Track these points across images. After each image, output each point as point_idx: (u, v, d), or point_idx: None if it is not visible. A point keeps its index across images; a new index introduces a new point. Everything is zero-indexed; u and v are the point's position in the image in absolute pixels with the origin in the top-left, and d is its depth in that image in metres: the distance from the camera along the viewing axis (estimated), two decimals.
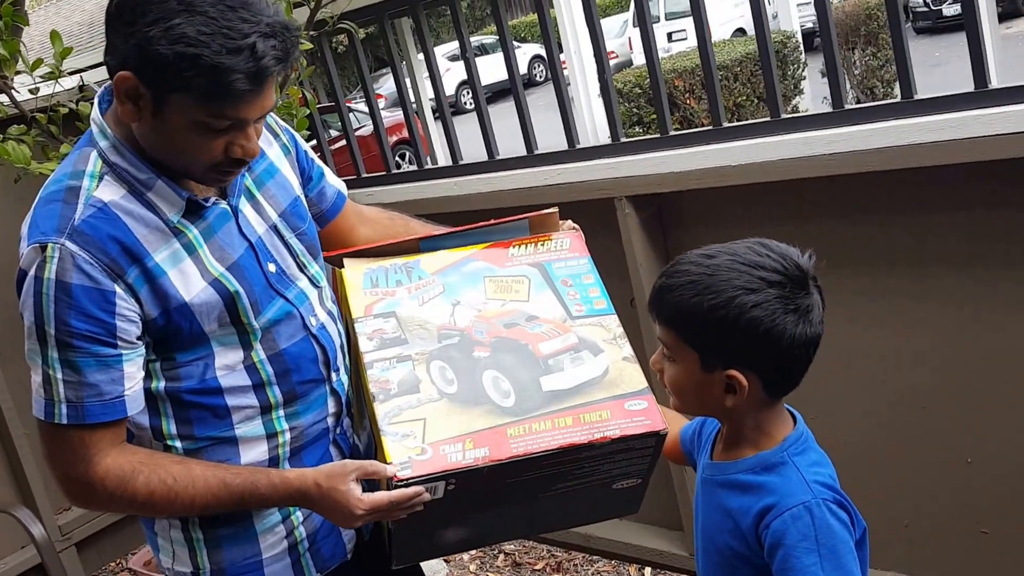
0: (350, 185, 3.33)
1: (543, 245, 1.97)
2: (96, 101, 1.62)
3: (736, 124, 2.53)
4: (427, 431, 1.65)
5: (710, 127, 2.57)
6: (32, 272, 1.51)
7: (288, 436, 1.73)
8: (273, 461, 1.73)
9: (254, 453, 1.71)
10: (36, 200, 1.59)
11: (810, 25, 12.29)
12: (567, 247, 1.98)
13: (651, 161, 2.60)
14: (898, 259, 2.39)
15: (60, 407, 1.53)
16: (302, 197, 1.82)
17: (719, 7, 15.47)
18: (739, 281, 1.42)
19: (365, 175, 3.38)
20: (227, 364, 1.66)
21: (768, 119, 2.46)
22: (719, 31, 15.11)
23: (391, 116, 11.75)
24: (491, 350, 1.77)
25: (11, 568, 3.63)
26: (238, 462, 1.69)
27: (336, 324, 1.81)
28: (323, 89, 11.76)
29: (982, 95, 2.13)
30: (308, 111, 3.11)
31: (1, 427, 3.66)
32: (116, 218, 1.54)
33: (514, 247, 1.97)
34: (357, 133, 3.52)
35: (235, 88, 1.45)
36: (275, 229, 1.73)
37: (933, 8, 15.11)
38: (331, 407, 1.79)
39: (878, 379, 2.50)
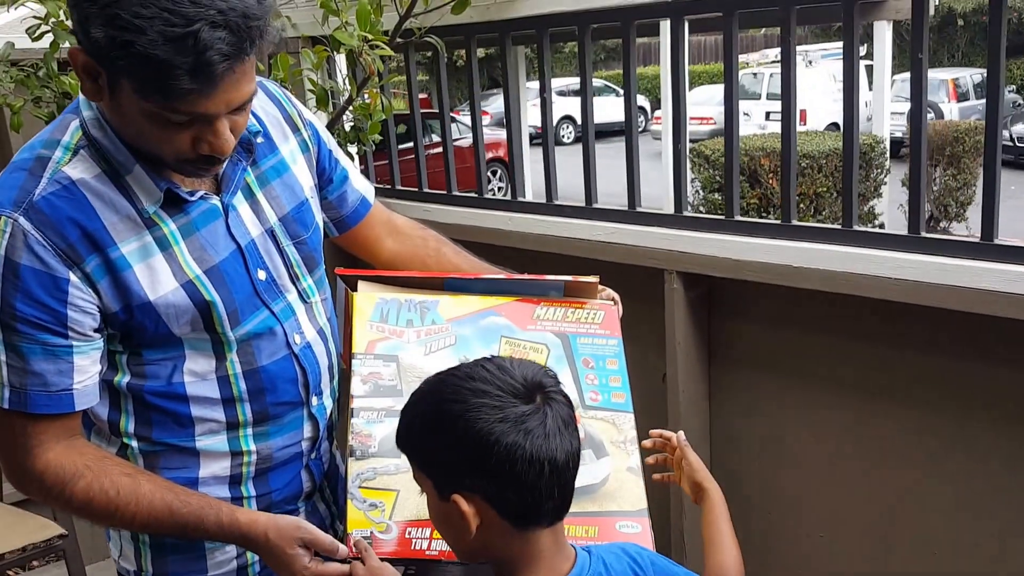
0: (415, 197, 3.15)
1: (574, 313, 1.70)
2: None
3: (806, 224, 2.27)
4: (397, 506, 1.44)
5: (778, 221, 2.30)
6: None
7: (255, 457, 1.48)
8: (235, 479, 1.48)
9: (215, 468, 1.47)
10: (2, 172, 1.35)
11: (899, 134, 11.90)
12: (598, 321, 1.72)
13: (710, 242, 2.34)
14: (943, 402, 2.10)
15: (3, 391, 1.31)
16: (312, 201, 1.55)
17: (820, 99, 15.12)
18: (447, 392, 1.22)
19: (427, 190, 3.16)
20: (197, 371, 1.41)
21: (840, 227, 2.19)
22: (815, 121, 14.71)
23: (491, 134, 11.64)
24: None
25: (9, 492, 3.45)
26: (196, 475, 1.45)
27: (326, 344, 1.55)
28: (436, 95, 11.68)
29: None
30: (384, 116, 2.90)
31: None
32: (83, 198, 1.30)
33: (542, 307, 1.71)
34: (456, 143, 3.29)
35: (176, 85, 1.17)
36: (271, 234, 1.46)
37: (1018, 144, 14.61)
38: (307, 431, 1.53)
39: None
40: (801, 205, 8.94)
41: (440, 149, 3.20)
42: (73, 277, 1.29)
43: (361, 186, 1.71)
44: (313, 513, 1.60)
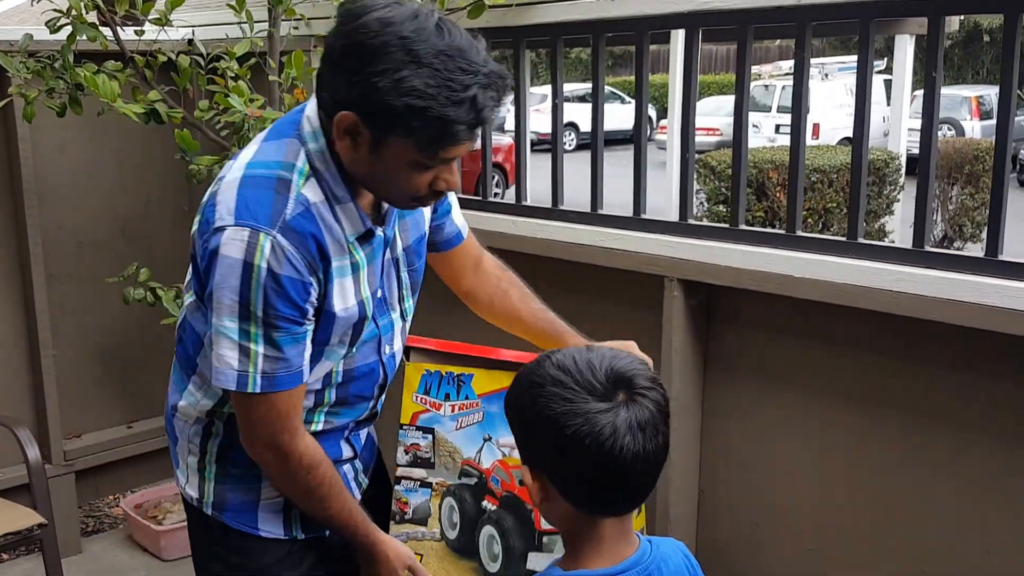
0: None
1: None
2: (313, 101, 1.57)
3: (810, 235, 2.31)
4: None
5: (782, 231, 2.34)
6: (242, 257, 1.50)
7: (319, 427, 1.73)
8: None
9: None
10: (236, 177, 1.55)
11: (916, 151, 11.91)
12: None
13: (712, 250, 2.38)
14: (941, 416, 2.14)
15: (255, 378, 1.55)
16: (427, 233, 1.81)
17: (835, 112, 15.16)
18: (536, 375, 1.31)
19: None
20: (322, 368, 1.67)
21: (844, 239, 2.23)
22: (829, 135, 14.76)
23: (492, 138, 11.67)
24: (500, 504, 1.75)
25: (6, 480, 3.49)
26: None
27: (401, 352, 1.82)
28: None
29: None
30: None
31: (32, 346, 3.54)
32: (316, 219, 1.55)
33: None
34: None
35: (457, 136, 1.46)
36: (396, 260, 1.72)
37: None
38: (363, 416, 1.80)
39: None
40: (809, 220, 8.96)
41: None
42: (312, 280, 1.55)
43: (459, 221, 1.93)
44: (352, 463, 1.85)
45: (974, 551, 2.12)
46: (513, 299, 1.97)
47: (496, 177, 13.22)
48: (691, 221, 2.52)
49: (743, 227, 2.41)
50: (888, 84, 13.37)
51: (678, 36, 2.54)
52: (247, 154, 1.60)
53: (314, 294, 1.56)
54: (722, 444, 2.54)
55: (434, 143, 1.46)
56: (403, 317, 1.76)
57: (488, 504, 1.75)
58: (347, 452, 1.80)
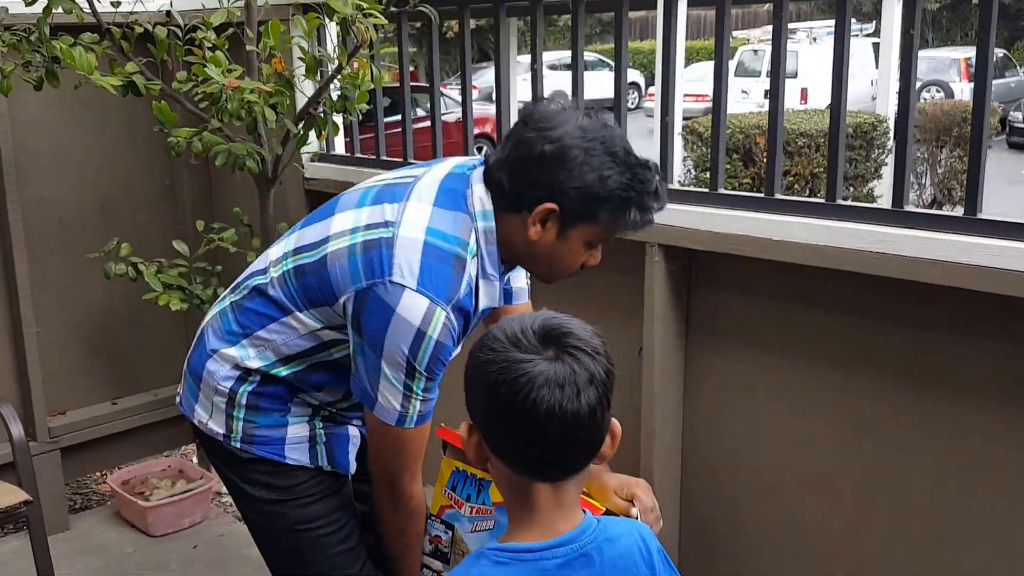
0: (397, 167, 3.18)
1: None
2: (479, 178, 1.79)
3: (789, 198, 2.31)
4: None
5: (762, 195, 2.35)
6: (418, 325, 1.70)
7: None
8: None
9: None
10: (418, 241, 1.73)
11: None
12: None
13: (693, 215, 2.38)
14: (924, 377, 2.15)
15: (412, 417, 1.79)
16: None
17: (823, 77, 15.11)
18: (483, 336, 1.36)
19: (412, 161, 3.20)
20: None
21: (823, 201, 2.24)
22: (818, 99, 14.73)
23: (479, 108, 11.62)
24: None
25: None
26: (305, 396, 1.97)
27: None
28: (422, 69, 11.69)
29: None
30: (372, 86, 2.94)
31: (15, 322, 3.54)
32: (471, 296, 1.78)
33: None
34: (443, 118, 3.31)
35: (645, 222, 1.77)
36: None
37: None
38: None
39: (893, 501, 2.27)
40: (796, 186, 8.97)
41: (427, 123, 3.22)
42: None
43: (518, 281, 2.11)
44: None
45: (959, 512, 2.14)
46: None
47: (485, 148, 13.19)
48: (671, 186, 2.51)
49: (723, 191, 2.41)
50: (876, 47, 13.32)
51: (662, 1, 2.52)
52: (422, 216, 1.76)
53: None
54: (705, 408, 2.56)
55: (616, 228, 1.77)
56: None
57: None
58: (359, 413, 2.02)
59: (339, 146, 3.49)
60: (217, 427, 1.96)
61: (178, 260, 3.43)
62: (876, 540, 2.29)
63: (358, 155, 3.40)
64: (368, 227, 1.77)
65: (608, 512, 2.01)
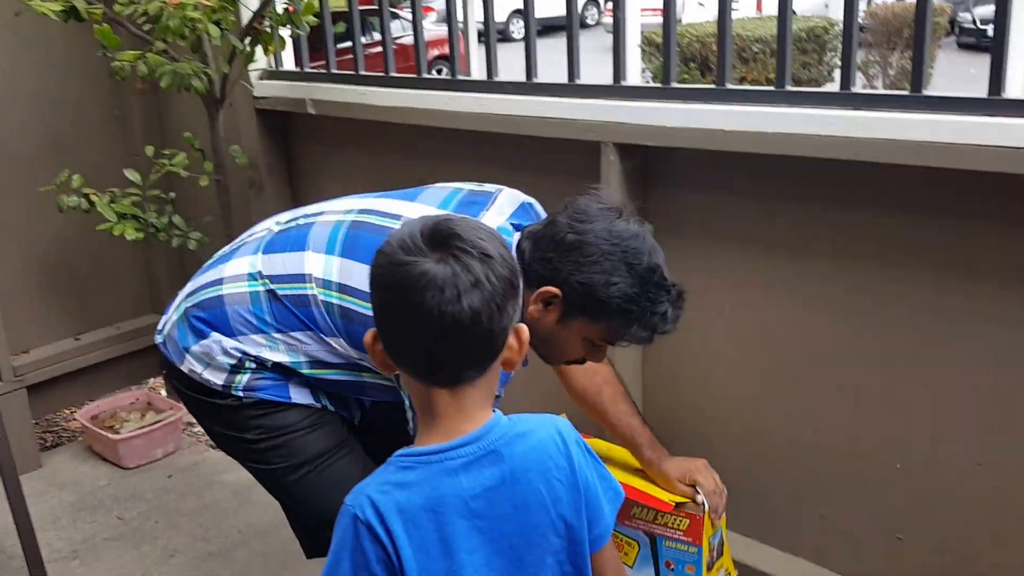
0: (352, 80, 3.15)
1: (663, 516, 2.13)
2: (512, 244, 1.80)
3: (738, 88, 2.31)
4: None
5: (712, 85, 2.35)
6: None
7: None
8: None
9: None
10: None
11: (859, 20, 11.90)
12: (683, 528, 2.11)
13: (646, 111, 2.38)
14: (877, 258, 2.19)
15: None
16: None
17: None
18: (395, 248, 1.31)
19: (363, 73, 3.17)
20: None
21: (772, 88, 2.25)
22: (773, 8, 14.65)
23: (436, 30, 11.46)
24: None
25: None
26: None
27: None
28: None
29: (994, 103, 1.91)
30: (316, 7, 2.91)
31: None
32: None
33: (638, 506, 2.14)
34: (398, 41, 3.26)
35: (641, 338, 1.78)
36: None
37: (980, 27, 14.67)
38: None
39: (821, 372, 2.32)
40: None
41: (379, 49, 3.17)
42: None
43: None
44: None
45: (912, 392, 2.19)
46: (604, 399, 2.21)
47: (444, 70, 13.05)
48: (624, 83, 2.51)
49: (674, 85, 2.41)
50: None
51: None
52: None
53: None
54: None
55: (617, 335, 1.78)
56: None
57: None
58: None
59: (287, 62, 3.44)
60: (215, 379, 1.91)
61: (131, 189, 3.40)
62: (827, 414, 2.34)
63: (308, 70, 3.35)
64: None
65: (677, 506, 2.13)
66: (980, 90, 1.94)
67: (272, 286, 1.86)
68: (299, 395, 1.94)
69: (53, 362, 3.75)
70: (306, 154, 3.53)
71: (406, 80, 2.98)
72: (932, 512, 2.23)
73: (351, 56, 3.18)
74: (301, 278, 1.83)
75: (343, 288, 1.79)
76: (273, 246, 1.91)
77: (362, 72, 3.16)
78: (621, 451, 2.29)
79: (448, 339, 1.26)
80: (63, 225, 3.64)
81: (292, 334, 1.85)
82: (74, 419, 4.09)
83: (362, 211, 1.88)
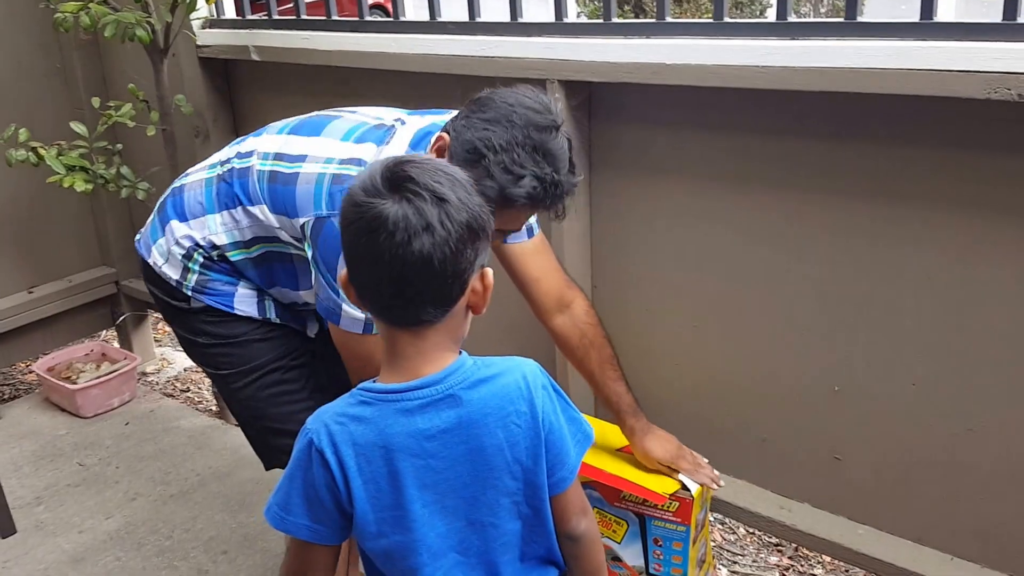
0: (294, 26, 3.13)
1: (650, 502, 2.22)
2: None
3: (678, 21, 2.33)
4: None
5: (652, 20, 2.38)
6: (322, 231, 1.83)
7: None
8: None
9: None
10: (328, 175, 1.85)
11: None
12: (672, 510, 2.22)
13: (589, 47, 2.40)
14: (811, 184, 2.24)
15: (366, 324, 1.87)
16: None
17: None
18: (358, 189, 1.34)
19: (305, 17, 3.14)
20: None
21: (711, 20, 2.28)
22: None
23: None
24: None
25: None
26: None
27: None
28: None
29: (926, 27, 1.96)
30: None
31: None
32: None
33: (628, 493, 2.23)
34: None
35: (491, 195, 1.67)
36: None
37: None
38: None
39: (761, 298, 2.38)
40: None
41: None
42: None
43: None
44: None
45: (848, 316, 2.26)
46: (592, 362, 2.26)
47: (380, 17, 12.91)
48: (566, 20, 2.53)
49: (616, 20, 2.43)
50: None
51: None
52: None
53: None
54: (611, 238, 2.62)
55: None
56: None
57: None
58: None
59: (229, 10, 3.41)
60: (172, 273, 2.08)
61: (78, 142, 3.37)
62: (771, 345, 2.41)
63: (249, 17, 3.32)
64: (343, 162, 1.87)
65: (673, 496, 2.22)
66: (912, 12, 1.99)
67: (220, 171, 2.05)
68: (244, 305, 2.08)
69: (8, 316, 3.74)
70: (250, 101, 3.51)
71: (349, 23, 2.97)
72: (869, 433, 2.31)
73: (292, 4, 3.16)
74: (247, 155, 2.03)
75: (278, 156, 1.96)
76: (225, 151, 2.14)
77: (304, 17, 3.14)
78: (613, 433, 2.35)
79: (402, 281, 1.29)
80: (11, 180, 3.60)
81: (230, 211, 2.00)
82: (30, 372, 4.08)
83: (275, 156, 1.99)
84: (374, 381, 1.40)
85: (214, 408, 3.76)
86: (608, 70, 2.37)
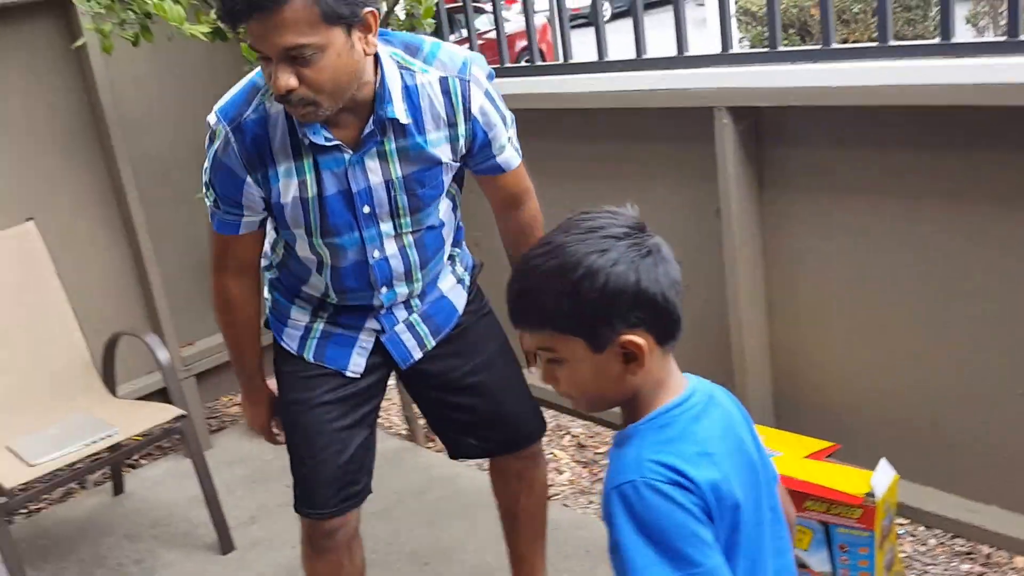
0: None
1: (836, 507, 2.28)
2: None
3: (843, 47, 2.44)
4: None
5: (818, 47, 2.48)
6: (208, 138, 1.94)
7: (336, 302, 2.14)
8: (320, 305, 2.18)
9: (311, 291, 2.15)
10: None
11: None
12: (856, 516, 2.26)
13: (754, 74, 2.53)
14: (980, 197, 2.29)
15: (214, 220, 2.02)
16: (443, 168, 1.99)
17: None
18: (588, 249, 1.30)
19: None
20: (303, 248, 2.05)
21: (876, 44, 2.37)
22: None
23: (520, 20, 11.59)
24: None
25: (138, 389, 3.84)
26: (300, 288, 2.17)
27: (405, 258, 2.06)
28: None
29: None
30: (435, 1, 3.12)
31: (140, 267, 3.84)
32: (267, 129, 1.88)
33: (812, 500, 2.29)
34: (486, 36, 3.47)
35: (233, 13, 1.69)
36: (389, 183, 1.95)
37: None
38: (375, 302, 2.12)
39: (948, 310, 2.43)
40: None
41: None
42: (248, 179, 1.92)
43: (504, 160, 2.07)
44: (387, 333, 2.19)
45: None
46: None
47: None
48: (732, 51, 2.65)
49: (781, 48, 2.54)
50: None
51: None
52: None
53: (250, 190, 1.93)
54: (785, 256, 2.72)
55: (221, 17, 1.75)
56: (396, 230, 2.02)
57: None
58: (372, 325, 2.17)
59: None
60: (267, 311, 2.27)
61: None
62: (958, 349, 2.45)
63: None
64: None
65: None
66: None
67: None
68: (289, 338, 2.19)
69: (216, 352, 4.06)
70: None
71: (523, 69, 3.17)
72: None
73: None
74: None
75: None
76: None
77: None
78: (798, 442, 2.46)
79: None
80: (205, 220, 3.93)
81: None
82: (234, 404, 4.41)
83: None
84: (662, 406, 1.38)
85: (404, 432, 3.99)
86: (775, 95, 2.49)
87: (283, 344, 2.19)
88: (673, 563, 1.23)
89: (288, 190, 1.93)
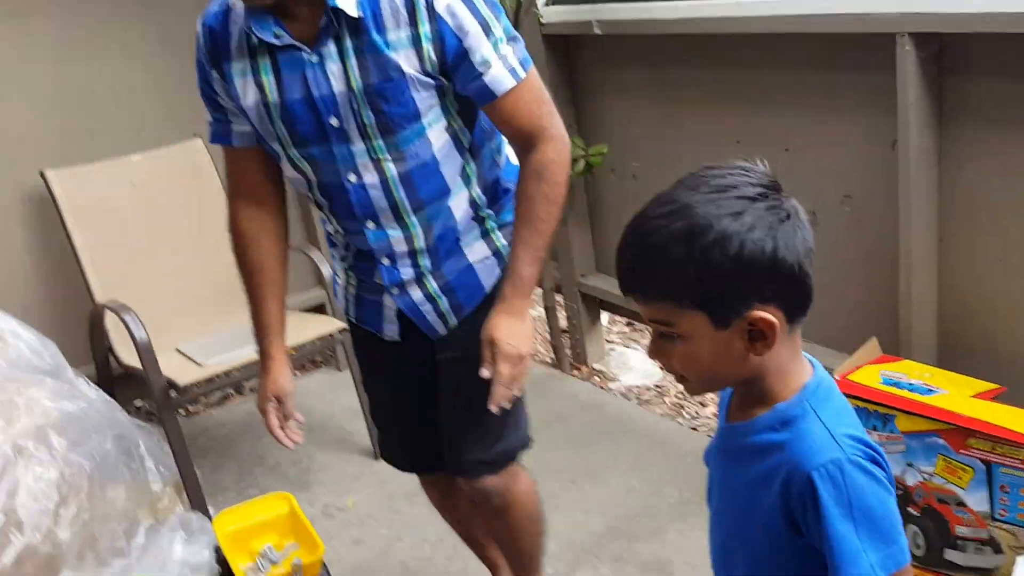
0: None
1: (1001, 447, 2.22)
2: None
3: None
4: None
5: None
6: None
7: (342, 232, 2.02)
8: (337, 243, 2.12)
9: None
10: None
11: None
12: (1022, 458, 2.21)
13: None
14: None
15: (208, 130, 2.00)
16: (409, 82, 1.77)
17: None
18: (720, 211, 1.15)
19: None
20: (287, 167, 1.95)
21: None
22: None
23: None
24: (921, 513, 2.33)
25: (301, 302, 3.97)
26: (327, 229, 2.10)
27: (387, 191, 1.88)
28: None
29: None
30: None
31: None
32: (227, 24, 1.84)
33: (976, 438, 2.26)
34: None
35: None
36: (352, 94, 1.78)
37: None
38: (372, 243, 1.96)
39: None
40: None
41: None
42: (214, 73, 1.88)
43: (492, 79, 1.79)
44: (401, 296, 2.05)
45: None
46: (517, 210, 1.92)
47: None
48: None
49: None
50: None
51: None
52: None
53: (216, 87, 1.90)
54: (963, 192, 2.60)
55: None
56: (371, 154, 1.84)
57: (911, 511, 2.32)
58: (389, 303, 2.05)
59: None
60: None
61: None
62: None
63: None
64: None
65: None
66: None
67: None
68: (340, 299, 2.19)
69: None
70: (588, 74, 3.71)
71: None
72: None
73: None
74: None
75: None
76: None
77: None
78: (955, 380, 2.43)
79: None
80: None
81: None
82: None
83: None
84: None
85: (550, 360, 4.03)
86: (961, 21, 2.37)
87: (343, 309, 2.20)
88: (879, 541, 1.16)
89: (247, 92, 1.83)
